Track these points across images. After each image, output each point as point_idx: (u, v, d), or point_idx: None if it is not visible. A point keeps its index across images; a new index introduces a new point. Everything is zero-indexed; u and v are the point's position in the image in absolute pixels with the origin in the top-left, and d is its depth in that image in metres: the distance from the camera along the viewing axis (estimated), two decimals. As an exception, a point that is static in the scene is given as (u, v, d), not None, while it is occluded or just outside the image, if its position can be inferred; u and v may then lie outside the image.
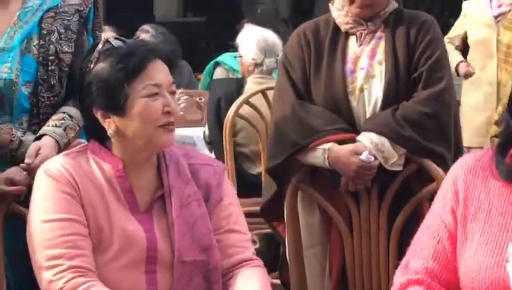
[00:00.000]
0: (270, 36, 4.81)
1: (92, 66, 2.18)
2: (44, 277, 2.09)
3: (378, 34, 2.79)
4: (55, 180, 2.13)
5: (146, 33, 5.68)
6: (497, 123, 2.16)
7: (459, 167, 2.06)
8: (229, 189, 2.29)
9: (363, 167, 2.66)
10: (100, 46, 2.20)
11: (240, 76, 4.92)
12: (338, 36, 2.81)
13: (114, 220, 2.12)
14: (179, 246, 2.13)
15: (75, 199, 2.13)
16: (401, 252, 2.47)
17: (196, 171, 2.24)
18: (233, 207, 2.25)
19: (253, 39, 4.73)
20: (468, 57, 4.39)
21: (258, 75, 4.65)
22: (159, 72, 2.15)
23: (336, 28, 2.81)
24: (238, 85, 4.66)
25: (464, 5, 4.62)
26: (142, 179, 2.19)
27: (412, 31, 2.76)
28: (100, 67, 2.16)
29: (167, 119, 2.11)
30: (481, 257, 1.89)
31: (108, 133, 2.16)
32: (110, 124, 2.15)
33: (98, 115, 2.15)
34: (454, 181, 2.03)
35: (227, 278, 2.19)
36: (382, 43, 2.78)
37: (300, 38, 2.84)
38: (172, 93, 2.16)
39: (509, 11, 3.91)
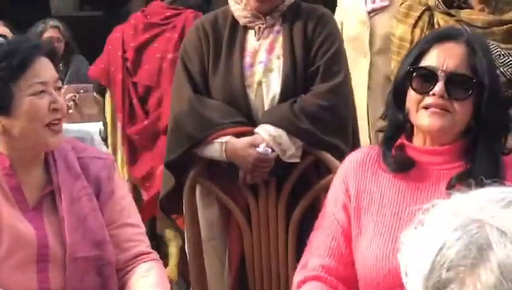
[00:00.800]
0: None
1: None
2: None
3: (276, 28, 2.79)
4: None
5: (55, 29, 5.36)
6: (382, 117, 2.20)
7: (348, 164, 2.12)
8: (120, 182, 2.28)
9: (260, 160, 2.67)
10: None
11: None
12: (236, 29, 2.80)
13: (3, 219, 2.07)
14: (71, 242, 2.10)
15: None
16: (299, 244, 2.49)
17: (86, 165, 2.21)
18: (125, 200, 2.24)
19: None
20: None
21: None
22: (44, 68, 2.11)
23: (235, 21, 2.80)
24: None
25: None
26: (30, 175, 2.15)
27: (309, 25, 2.77)
28: None
29: (54, 116, 2.08)
30: (376, 247, 1.94)
31: None
32: None
33: None
34: (344, 178, 2.08)
35: (123, 274, 2.17)
36: (280, 38, 2.78)
37: (199, 31, 2.82)
38: (58, 89, 2.07)
39: (385, 6, 3.84)
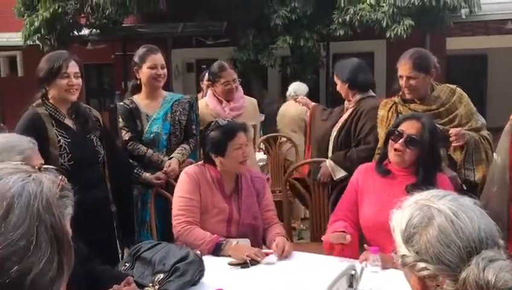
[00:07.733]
0: None
1: (209, 132, 2.22)
2: (173, 223, 2.15)
3: None
4: (188, 177, 2.19)
5: None
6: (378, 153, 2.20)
7: (359, 170, 2.19)
8: (268, 190, 2.33)
9: (325, 175, 2.74)
10: (213, 124, 2.23)
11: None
12: None
13: (214, 200, 2.17)
14: (243, 216, 2.17)
15: (196, 188, 2.16)
16: (333, 207, 2.48)
17: (253, 180, 2.26)
18: (269, 198, 2.30)
19: None
20: None
21: None
22: (241, 137, 2.18)
23: None
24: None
25: None
26: (228, 182, 2.23)
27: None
28: (213, 134, 2.19)
29: (243, 158, 2.18)
30: (371, 210, 2.03)
31: (216, 164, 2.22)
32: (217, 160, 2.20)
33: (212, 155, 2.21)
34: (357, 176, 2.15)
35: (264, 233, 2.22)
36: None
37: None
38: (246, 145, 2.22)
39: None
